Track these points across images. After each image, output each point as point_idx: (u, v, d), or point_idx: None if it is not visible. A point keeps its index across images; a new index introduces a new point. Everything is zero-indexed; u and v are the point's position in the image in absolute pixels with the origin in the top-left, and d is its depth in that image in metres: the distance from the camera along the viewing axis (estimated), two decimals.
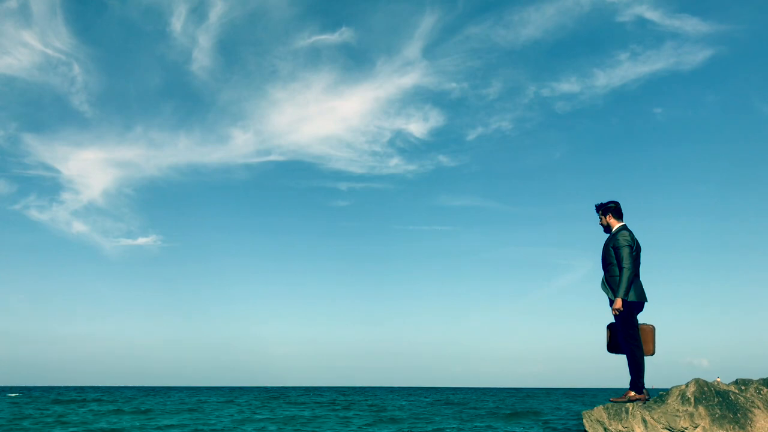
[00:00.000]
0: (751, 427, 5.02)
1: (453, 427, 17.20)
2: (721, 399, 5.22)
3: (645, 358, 5.49)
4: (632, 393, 5.48)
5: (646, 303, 5.56)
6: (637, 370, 5.46)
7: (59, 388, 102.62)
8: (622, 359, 5.62)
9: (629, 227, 5.69)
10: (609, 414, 5.32)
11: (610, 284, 5.55)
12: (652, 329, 5.48)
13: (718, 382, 5.55)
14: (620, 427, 5.19)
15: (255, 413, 22.38)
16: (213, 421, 18.41)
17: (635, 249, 5.52)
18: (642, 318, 5.57)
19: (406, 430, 15.77)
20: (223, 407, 26.86)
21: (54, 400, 35.12)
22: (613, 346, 5.73)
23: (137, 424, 17.29)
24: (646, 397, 5.48)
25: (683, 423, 5.07)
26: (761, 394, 5.32)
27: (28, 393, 56.21)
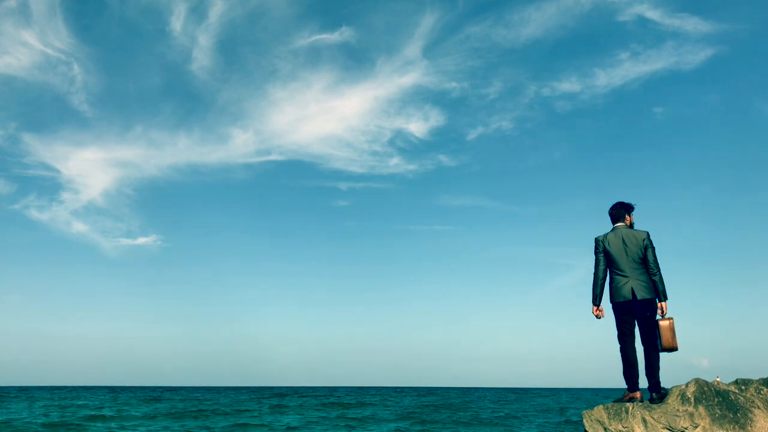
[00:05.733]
0: (751, 427, 5.02)
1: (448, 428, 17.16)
2: (721, 399, 5.22)
3: (662, 354, 5.44)
4: (630, 393, 5.51)
5: (630, 300, 5.39)
6: (623, 368, 5.54)
7: (58, 387, 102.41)
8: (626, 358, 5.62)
9: (630, 227, 5.70)
10: (609, 414, 5.32)
11: None
12: (658, 324, 5.37)
13: (718, 382, 5.54)
14: (620, 427, 5.19)
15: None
16: None
17: (602, 251, 5.59)
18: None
19: None
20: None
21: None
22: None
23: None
24: (639, 397, 5.44)
25: (683, 423, 5.07)
26: (761, 394, 5.32)
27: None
